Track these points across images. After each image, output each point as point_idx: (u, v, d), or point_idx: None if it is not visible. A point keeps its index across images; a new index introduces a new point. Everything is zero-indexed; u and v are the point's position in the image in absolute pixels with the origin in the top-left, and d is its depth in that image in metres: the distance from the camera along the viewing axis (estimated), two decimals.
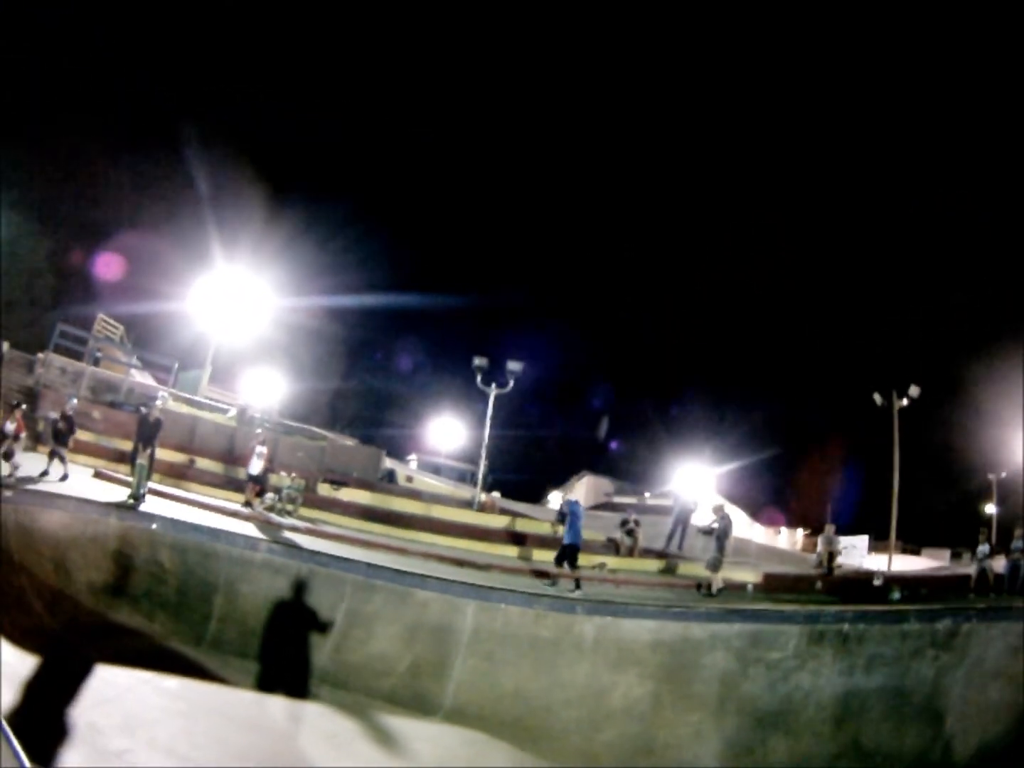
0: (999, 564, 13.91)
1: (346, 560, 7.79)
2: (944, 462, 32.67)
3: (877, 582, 14.39)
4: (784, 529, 33.25)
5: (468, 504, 17.22)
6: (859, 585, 14.45)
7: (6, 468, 10.97)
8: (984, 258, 52.64)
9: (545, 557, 12.84)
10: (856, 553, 20.96)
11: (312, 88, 50.61)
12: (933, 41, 51.20)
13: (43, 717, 4.56)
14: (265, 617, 7.08)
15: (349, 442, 22.30)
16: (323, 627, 6.96)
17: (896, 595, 12.45)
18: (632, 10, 56.33)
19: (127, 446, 12.80)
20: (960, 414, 31.98)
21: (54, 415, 12.46)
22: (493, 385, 17.72)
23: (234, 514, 12.13)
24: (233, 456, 16.02)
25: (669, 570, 14.57)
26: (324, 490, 15.34)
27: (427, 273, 51.17)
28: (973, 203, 50.75)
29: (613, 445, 43.96)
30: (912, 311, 52.02)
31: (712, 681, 6.16)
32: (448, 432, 35.72)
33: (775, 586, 13.37)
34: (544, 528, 15.42)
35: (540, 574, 11.82)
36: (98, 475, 12.88)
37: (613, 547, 15.25)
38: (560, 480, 40.03)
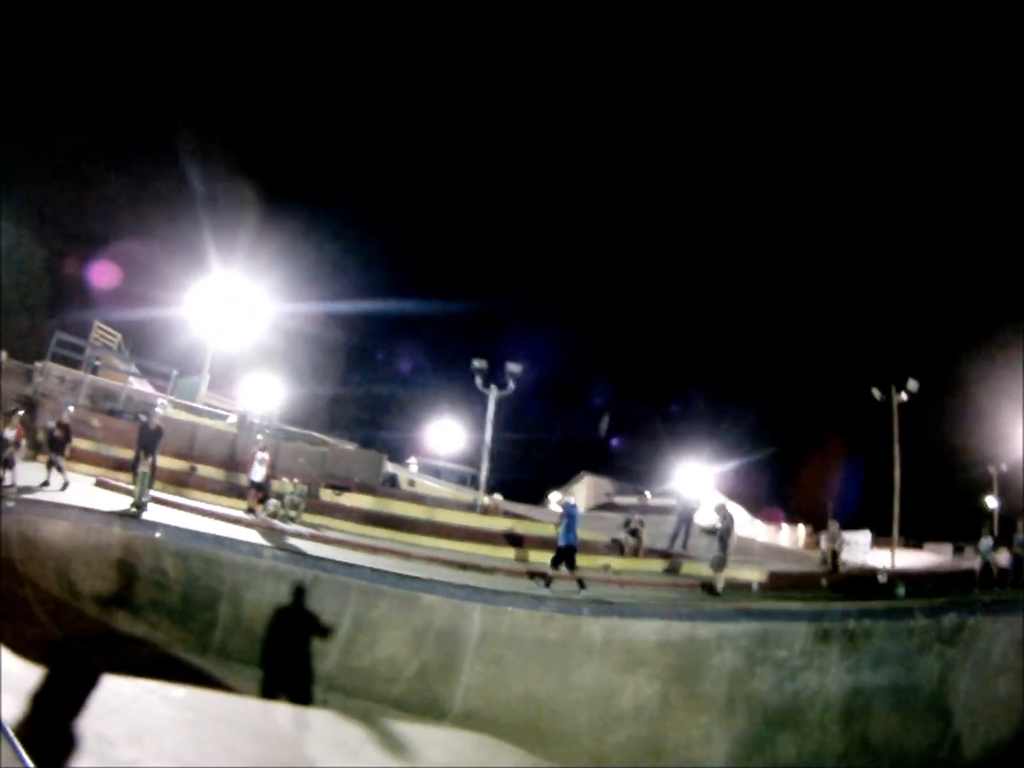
0: (1002, 558, 13.96)
1: (351, 566, 7.76)
2: (944, 456, 32.77)
3: (881, 578, 14.44)
4: (785, 526, 33.24)
5: (471, 507, 17.20)
6: (864, 582, 14.48)
7: (7, 477, 10.95)
8: (982, 252, 52.83)
9: (542, 558, 12.84)
10: (859, 549, 20.98)
11: (310, 91, 50.68)
12: (932, 41, 51.38)
13: (50, 728, 4.53)
14: (270, 624, 7.04)
15: (350, 447, 22.27)
16: (328, 633, 6.93)
17: (901, 591, 12.51)
18: (631, 10, 56.45)
19: (127, 454, 12.80)
20: (959, 408, 32.09)
21: (51, 423, 12.45)
22: (493, 387, 17.69)
23: (237, 521, 12.13)
24: (234, 462, 16.00)
25: (673, 570, 14.59)
26: (326, 495, 15.34)
27: (426, 275, 51.26)
28: (971, 198, 50.93)
29: (613, 445, 43.98)
30: (911, 306, 52.21)
31: (720, 681, 6.12)
32: (447, 435, 35.69)
33: (780, 584, 13.40)
34: (548, 530, 15.42)
35: (535, 575, 11.82)
36: (99, 484, 12.87)
37: (617, 548, 15.26)
38: (561, 481, 40.04)
